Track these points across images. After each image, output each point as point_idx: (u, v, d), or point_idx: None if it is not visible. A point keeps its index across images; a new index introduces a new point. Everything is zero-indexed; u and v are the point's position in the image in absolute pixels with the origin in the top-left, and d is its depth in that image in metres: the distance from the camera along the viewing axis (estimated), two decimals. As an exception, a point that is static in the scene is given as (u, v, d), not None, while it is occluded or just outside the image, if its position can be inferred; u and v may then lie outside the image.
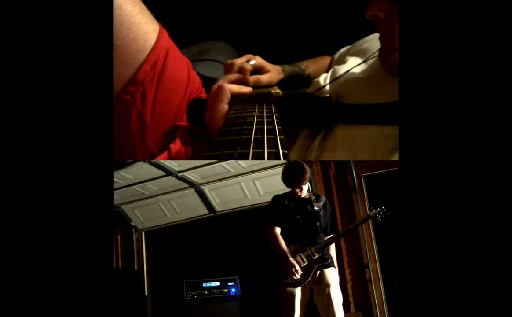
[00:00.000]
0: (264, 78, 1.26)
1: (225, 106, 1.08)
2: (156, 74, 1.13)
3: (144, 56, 1.11)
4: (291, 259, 1.70)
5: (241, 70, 1.22)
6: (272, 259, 1.78)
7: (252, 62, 1.25)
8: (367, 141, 0.98)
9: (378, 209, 1.83)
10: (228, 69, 1.24)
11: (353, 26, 1.41)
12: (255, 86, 1.22)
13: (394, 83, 0.97)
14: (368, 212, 1.91)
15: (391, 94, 0.97)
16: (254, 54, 1.31)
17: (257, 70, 1.28)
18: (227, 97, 1.09)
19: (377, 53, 1.19)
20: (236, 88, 1.14)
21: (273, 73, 1.31)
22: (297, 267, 1.69)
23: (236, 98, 1.11)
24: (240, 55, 1.30)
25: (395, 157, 0.91)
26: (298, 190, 1.82)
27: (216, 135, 0.77)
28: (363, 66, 1.18)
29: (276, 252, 1.76)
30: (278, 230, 1.79)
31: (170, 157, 1.19)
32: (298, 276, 1.69)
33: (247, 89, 1.18)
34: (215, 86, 1.13)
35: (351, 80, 1.15)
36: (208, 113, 1.11)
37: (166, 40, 1.18)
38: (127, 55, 1.09)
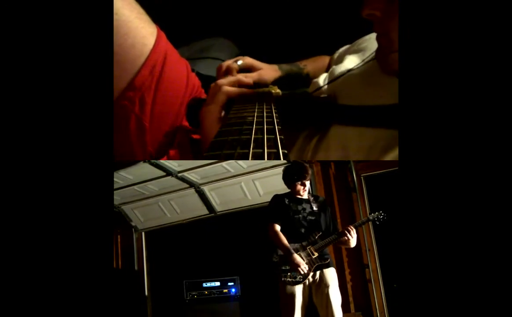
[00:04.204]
0: (253, 75, 1.27)
1: (218, 109, 1.08)
2: (154, 79, 1.13)
3: (142, 61, 1.10)
4: (295, 256, 1.70)
5: (228, 70, 1.23)
6: (271, 257, 1.78)
7: (239, 62, 1.27)
8: (361, 142, 0.98)
9: (377, 213, 1.84)
10: (217, 72, 1.26)
11: (353, 25, 1.41)
12: (246, 85, 1.23)
13: (391, 84, 0.97)
14: (367, 215, 1.91)
15: (388, 96, 0.97)
16: (255, 52, 1.32)
17: (247, 69, 1.28)
18: (222, 99, 1.08)
19: (374, 53, 1.19)
20: (233, 90, 1.12)
21: (265, 71, 1.31)
22: (303, 265, 1.69)
23: (233, 100, 1.11)
24: (241, 52, 1.31)
25: (389, 157, 0.90)
26: (301, 187, 1.82)
27: (216, 135, 0.76)
28: (361, 67, 1.18)
29: (280, 250, 1.76)
30: (278, 227, 1.79)
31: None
32: (305, 271, 1.69)
33: (245, 90, 1.16)
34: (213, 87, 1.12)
35: (348, 80, 1.14)
36: (202, 114, 1.11)
37: (164, 44, 1.18)
38: (125, 61, 1.08)
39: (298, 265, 1.69)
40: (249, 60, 1.31)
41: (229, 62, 1.28)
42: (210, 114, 1.07)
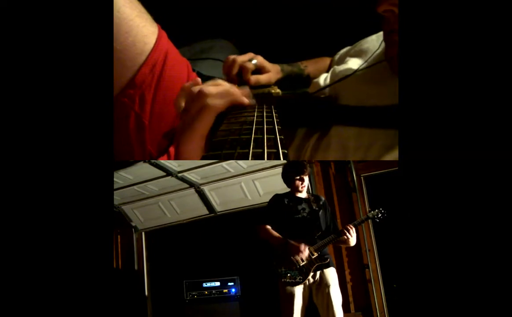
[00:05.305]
0: (263, 78, 1.26)
1: (204, 131, 0.75)
2: (155, 77, 1.12)
3: (142, 59, 1.10)
4: (292, 242, 1.70)
5: (242, 69, 1.21)
6: (272, 258, 1.78)
7: (254, 61, 1.24)
8: (360, 142, 0.97)
9: (377, 210, 1.85)
10: (229, 66, 1.22)
11: (354, 27, 1.41)
12: (254, 86, 1.22)
13: (396, 84, 0.97)
14: (367, 213, 1.91)
15: (393, 96, 0.97)
16: (256, 53, 1.30)
17: (258, 69, 1.27)
18: (210, 119, 0.77)
19: (378, 52, 1.19)
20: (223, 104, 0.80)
21: (272, 73, 1.31)
22: (303, 246, 1.69)
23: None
24: (242, 54, 1.29)
25: (387, 157, 0.90)
26: (300, 183, 1.83)
27: (216, 136, 0.76)
28: (366, 67, 1.18)
29: (275, 245, 1.76)
30: (268, 227, 1.79)
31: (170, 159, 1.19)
32: (306, 254, 1.69)
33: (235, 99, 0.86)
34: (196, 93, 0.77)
35: (351, 80, 1.14)
36: (181, 126, 0.78)
37: (165, 43, 1.18)
38: (126, 59, 1.08)
39: (298, 249, 1.68)
40: (261, 61, 1.26)
41: (243, 58, 1.21)
42: (194, 134, 0.76)
